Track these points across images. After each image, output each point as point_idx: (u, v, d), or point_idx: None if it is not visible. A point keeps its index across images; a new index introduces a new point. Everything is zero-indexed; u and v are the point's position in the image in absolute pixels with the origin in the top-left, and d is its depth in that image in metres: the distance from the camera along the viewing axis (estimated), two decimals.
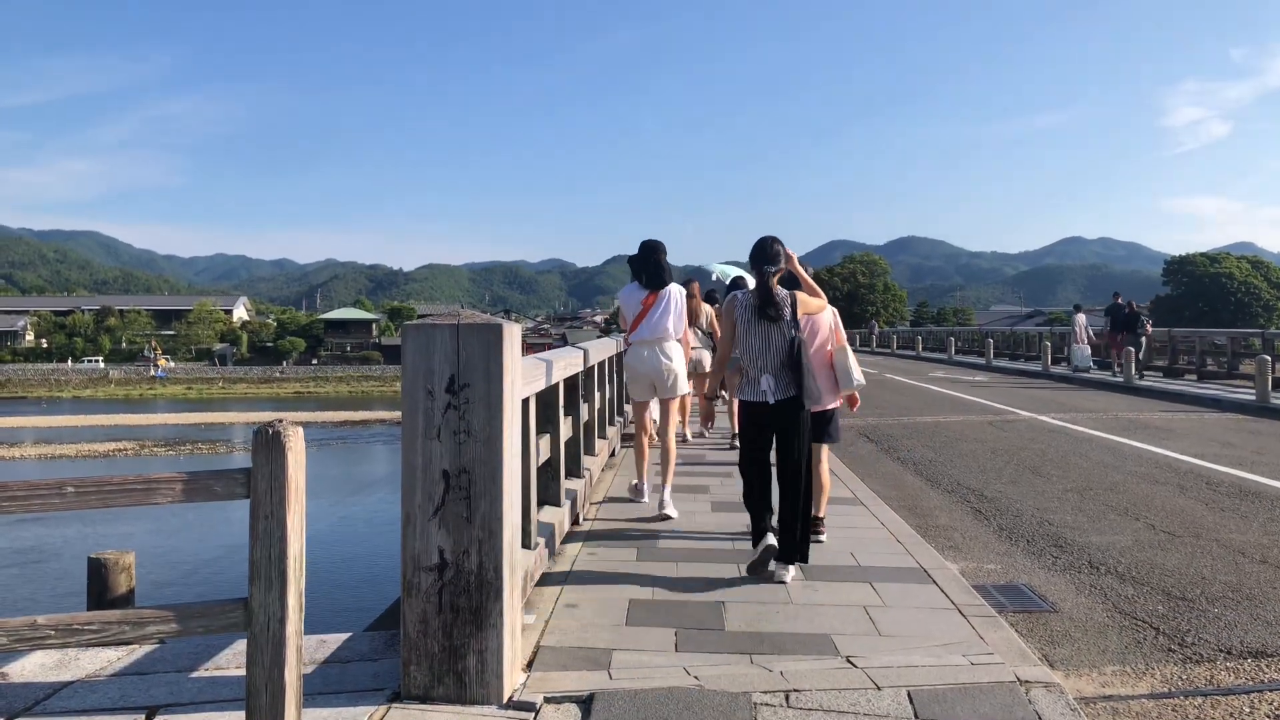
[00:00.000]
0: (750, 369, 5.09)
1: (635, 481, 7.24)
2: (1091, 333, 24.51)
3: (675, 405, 7.00)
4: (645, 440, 7.07)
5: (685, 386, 6.92)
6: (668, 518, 6.44)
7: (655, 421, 7.10)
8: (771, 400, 4.99)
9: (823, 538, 5.79)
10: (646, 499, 7.02)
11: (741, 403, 5.19)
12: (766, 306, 5.01)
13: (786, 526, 4.96)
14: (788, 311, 5.03)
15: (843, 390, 5.82)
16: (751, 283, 5.68)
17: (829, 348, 5.81)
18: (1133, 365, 20.51)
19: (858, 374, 5.79)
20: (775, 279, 5.11)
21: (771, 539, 4.95)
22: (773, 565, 4.93)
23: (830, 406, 5.83)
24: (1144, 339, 22.39)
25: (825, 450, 6.01)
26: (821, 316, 5.74)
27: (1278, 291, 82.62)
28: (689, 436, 10.36)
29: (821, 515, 5.91)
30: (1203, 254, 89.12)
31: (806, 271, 5.50)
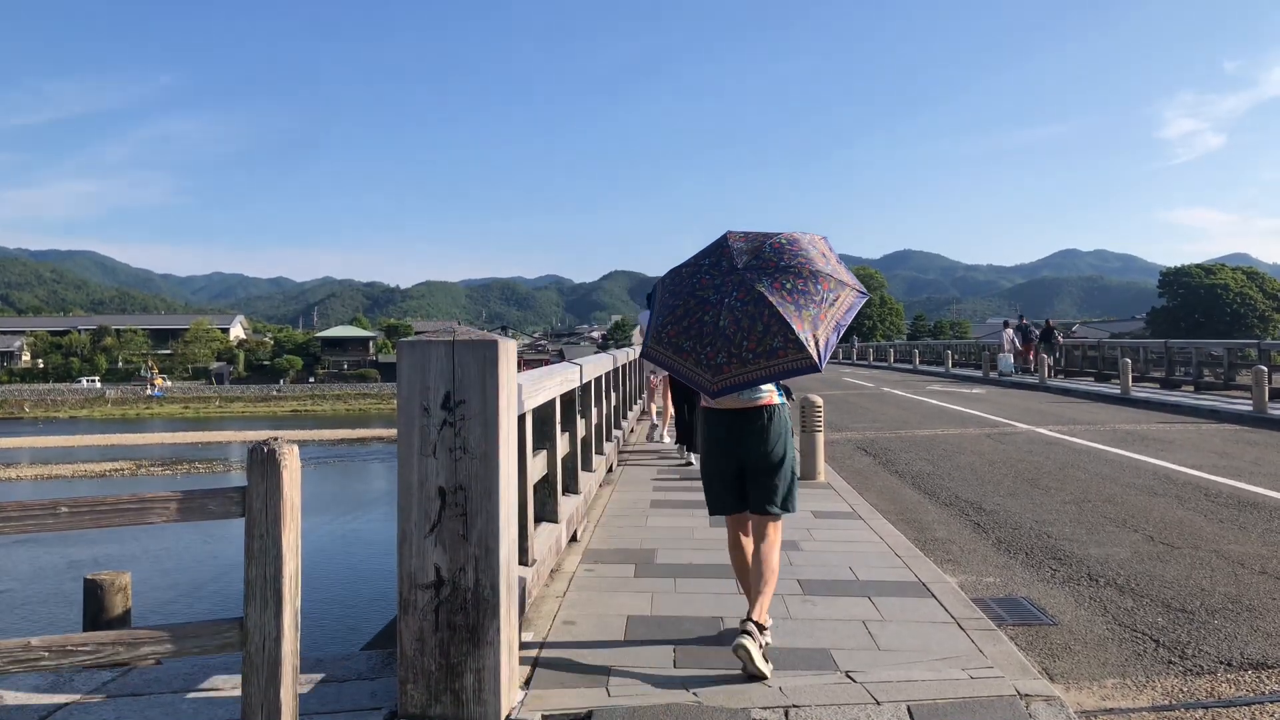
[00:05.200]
0: None
1: (661, 431, 11.97)
2: (1016, 343, 30.24)
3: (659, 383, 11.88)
4: (666, 403, 11.43)
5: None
6: (665, 441, 11.50)
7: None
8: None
9: None
10: (667, 440, 11.34)
11: (672, 380, 8.64)
12: None
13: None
14: None
15: None
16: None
17: None
18: (1045, 370, 25.35)
19: None
20: None
21: (692, 456, 9.28)
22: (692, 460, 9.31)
23: None
24: (1058, 348, 29.24)
25: None
26: None
27: (1273, 302, 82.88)
28: (668, 439, 11.58)
29: None
30: (1198, 265, 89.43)
31: None
